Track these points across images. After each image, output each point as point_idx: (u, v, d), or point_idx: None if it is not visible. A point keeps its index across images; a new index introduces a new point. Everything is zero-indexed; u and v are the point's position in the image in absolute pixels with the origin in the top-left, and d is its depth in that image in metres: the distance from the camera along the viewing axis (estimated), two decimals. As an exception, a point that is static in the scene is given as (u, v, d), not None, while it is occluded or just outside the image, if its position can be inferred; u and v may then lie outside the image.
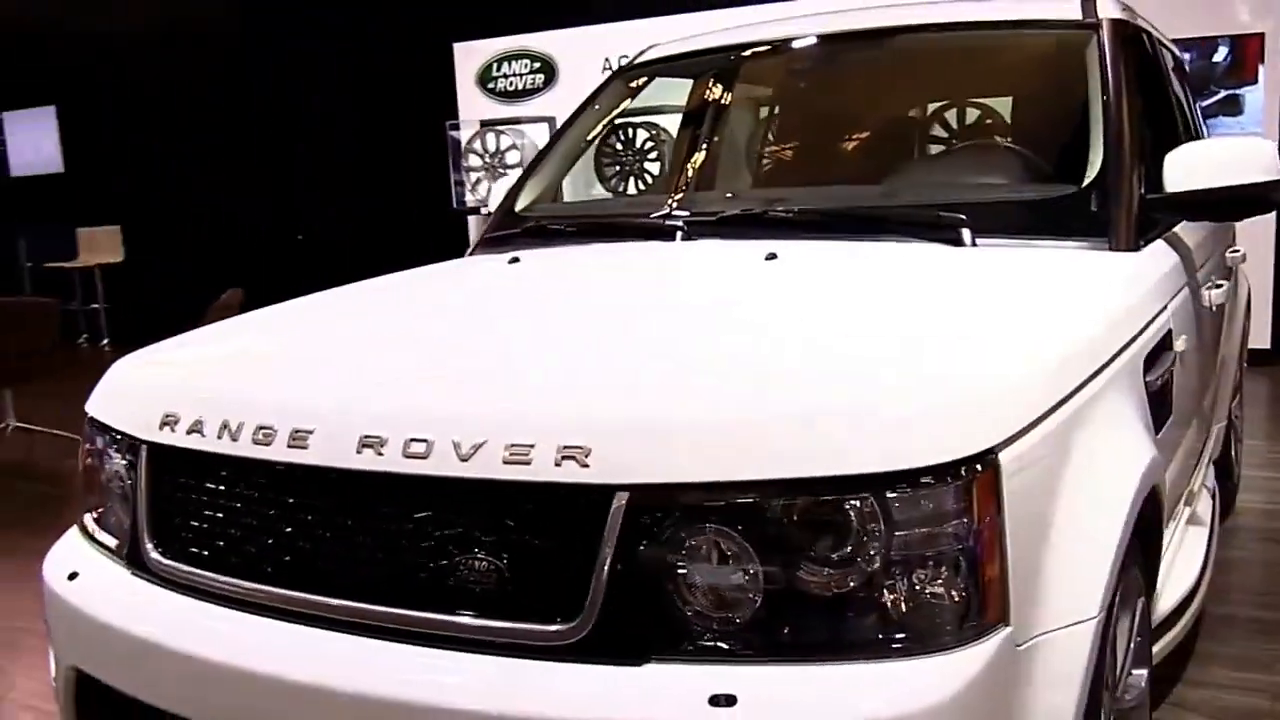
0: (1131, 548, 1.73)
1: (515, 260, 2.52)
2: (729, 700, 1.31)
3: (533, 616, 1.43)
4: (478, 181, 7.78)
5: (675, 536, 1.38)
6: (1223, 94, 6.63)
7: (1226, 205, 2.35)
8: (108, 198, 9.77)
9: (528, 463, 1.43)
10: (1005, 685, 1.39)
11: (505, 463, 1.45)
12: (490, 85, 8.33)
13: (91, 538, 1.98)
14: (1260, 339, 6.25)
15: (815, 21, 3.00)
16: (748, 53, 3.10)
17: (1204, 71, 6.60)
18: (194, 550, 1.75)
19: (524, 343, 1.87)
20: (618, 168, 7.08)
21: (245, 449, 1.67)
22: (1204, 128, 3.71)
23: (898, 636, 1.35)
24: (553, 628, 1.42)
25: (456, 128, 8.01)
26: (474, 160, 7.74)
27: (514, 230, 2.82)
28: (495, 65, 8.27)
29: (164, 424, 1.80)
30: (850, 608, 1.36)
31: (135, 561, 1.83)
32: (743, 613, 1.38)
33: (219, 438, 1.71)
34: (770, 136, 3.23)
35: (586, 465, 1.40)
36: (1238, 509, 4.00)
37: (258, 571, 1.66)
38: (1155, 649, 2.41)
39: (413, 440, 1.52)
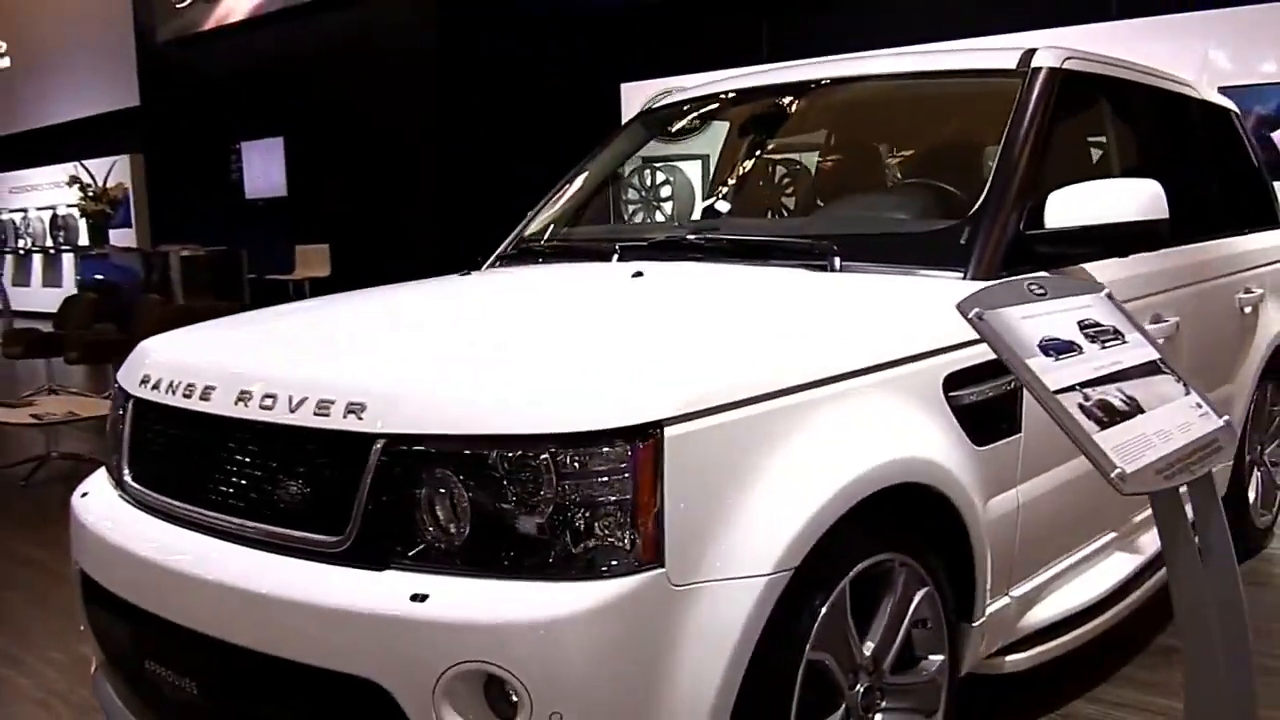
0: (867, 531, 2.03)
1: (473, 274, 3.02)
2: (423, 598, 1.72)
3: (322, 530, 1.88)
4: (634, 214, 8.27)
5: (413, 476, 1.80)
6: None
7: (1101, 241, 2.57)
8: (320, 219, 10.86)
9: (328, 415, 1.89)
10: (653, 614, 1.72)
11: (314, 414, 1.91)
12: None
13: (107, 468, 2.55)
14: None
15: (785, 72, 3.36)
16: (726, 99, 3.50)
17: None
18: (150, 475, 2.29)
19: (384, 331, 2.37)
20: (637, 203, 7.52)
21: (178, 401, 2.20)
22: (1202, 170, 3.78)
23: (564, 564, 1.72)
24: (328, 538, 1.86)
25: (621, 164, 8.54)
26: (631, 194, 8.24)
27: (511, 253, 3.31)
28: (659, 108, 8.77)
29: (142, 382, 2.35)
30: (531, 538, 1.74)
31: (120, 485, 2.38)
32: (456, 537, 1.78)
33: (167, 392, 2.25)
34: (728, 172, 3.60)
35: (361, 418, 1.85)
36: (1268, 554, 4.01)
37: (178, 491, 2.17)
38: (1023, 655, 2.64)
39: (266, 395, 2.00)
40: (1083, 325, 1.79)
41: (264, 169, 11.74)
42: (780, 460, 1.89)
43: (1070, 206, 2.57)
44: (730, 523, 1.81)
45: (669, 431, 1.75)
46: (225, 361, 2.26)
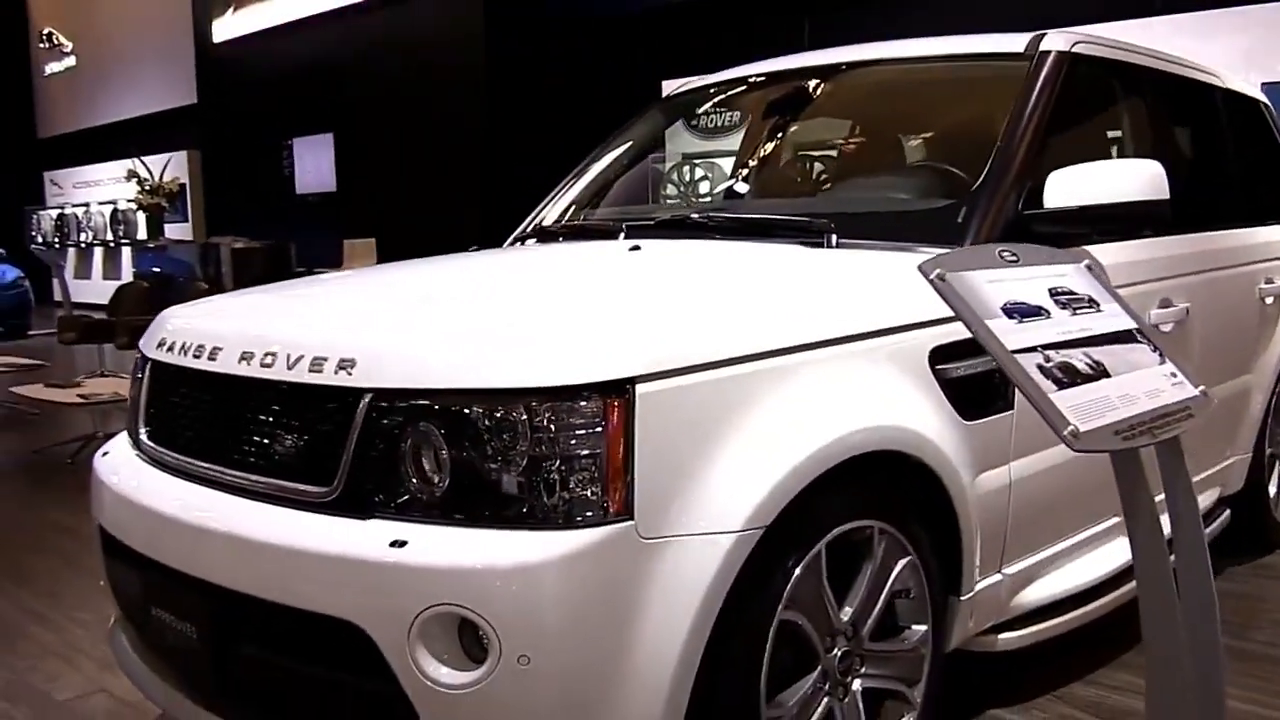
0: (847, 497, 2.07)
1: (479, 252, 3.11)
2: (402, 544, 1.79)
3: (313, 482, 1.95)
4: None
5: (397, 429, 1.87)
6: None
7: (1100, 221, 2.58)
8: (368, 213, 11.03)
9: (321, 371, 1.97)
10: (621, 566, 1.77)
11: (309, 370, 1.99)
12: (694, 123, 8.89)
13: (128, 429, 2.65)
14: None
15: (799, 58, 3.40)
16: (742, 86, 3.54)
17: None
18: (164, 434, 2.38)
19: (381, 298, 2.45)
20: (676, 198, 7.58)
21: (189, 361, 2.29)
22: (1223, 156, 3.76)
23: (537, 515, 1.78)
24: (318, 489, 1.93)
25: (661, 160, 8.61)
26: (670, 189, 8.30)
27: (527, 234, 3.39)
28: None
29: (159, 346, 2.45)
30: (507, 490, 1.80)
31: (136, 444, 2.47)
32: (437, 488, 1.85)
33: (180, 354, 2.34)
34: (745, 157, 3.63)
35: (351, 374, 1.92)
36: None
37: (188, 447, 2.26)
38: (1016, 634, 2.66)
39: (267, 354, 2.08)
40: (1054, 292, 1.81)
41: (314, 165, 11.94)
42: (755, 422, 1.93)
43: (1069, 186, 2.58)
44: (701, 480, 1.85)
45: (641, 389, 1.80)
46: (233, 325, 2.35)
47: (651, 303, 2.14)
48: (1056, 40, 2.95)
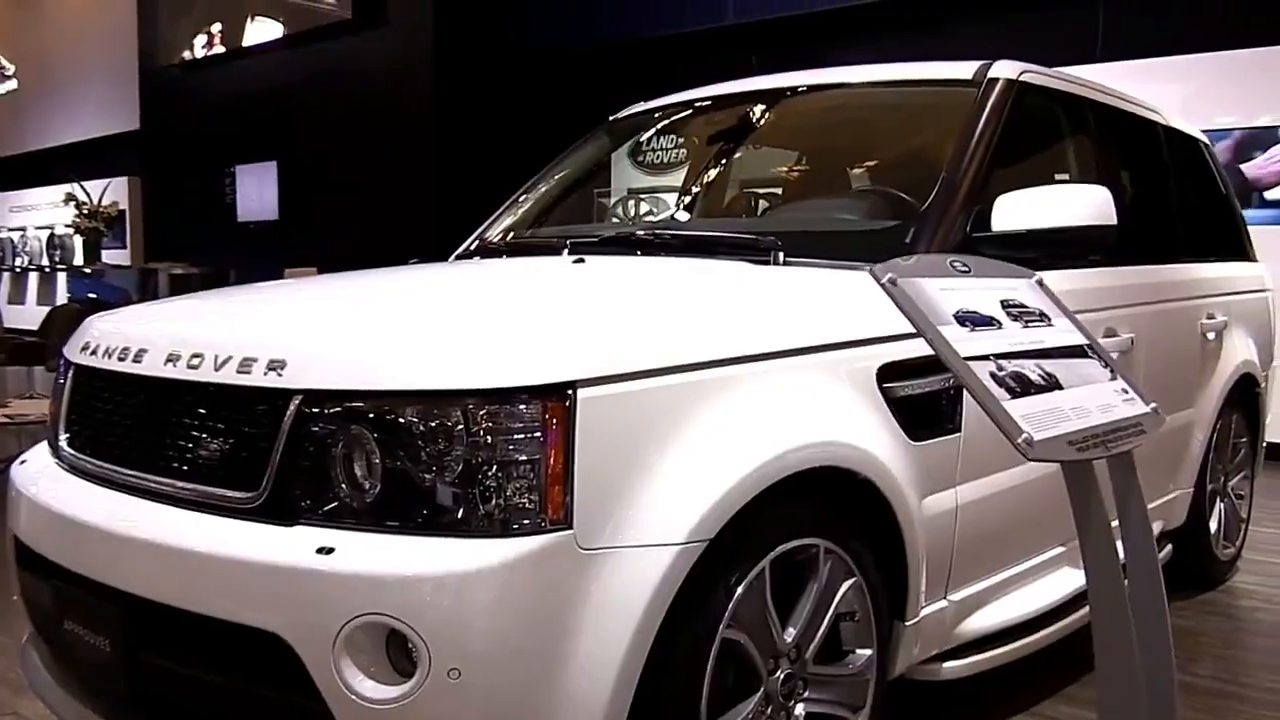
0: (792, 513, 2.01)
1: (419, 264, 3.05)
2: (329, 551, 1.70)
3: (239, 487, 1.86)
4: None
5: (327, 432, 1.79)
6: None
7: (1047, 245, 2.57)
8: (310, 242, 10.90)
9: (249, 372, 1.88)
10: (558, 576, 1.70)
11: (238, 371, 1.90)
12: (640, 158, 8.91)
13: (47, 438, 2.54)
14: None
15: (749, 82, 3.39)
16: (692, 110, 3.52)
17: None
18: (85, 440, 2.27)
19: (316, 302, 2.37)
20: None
21: (113, 364, 2.19)
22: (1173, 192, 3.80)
23: (471, 522, 1.70)
24: (243, 495, 1.84)
25: (607, 195, 8.60)
26: (615, 223, 8.28)
27: (470, 252, 3.33)
28: (645, 141, 8.85)
29: (83, 349, 2.35)
30: (440, 495, 1.72)
31: (55, 451, 2.36)
32: (367, 493, 1.77)
33: (103, 357, 2.24)
34: (696, 178, 3.60)
35: (281, 375, 1.84)
36: (1230, 586, 3.99)
37: (110, 454, 2.16)
38: (961, 662, 2.61)
39: (194, 356, 2.00)
40: (1006, 304, 1.78)
41: (257, 192, 11.80)
42: (698, 432, 1.88)
43: (1017, 210, 2.58)
44: (643, 490, 1.79)
45: (582, 393, 1.73)
46: (160, 327, 2.26)
47: (594, 309, 2.08)
48: (1004, 69, 2.96)
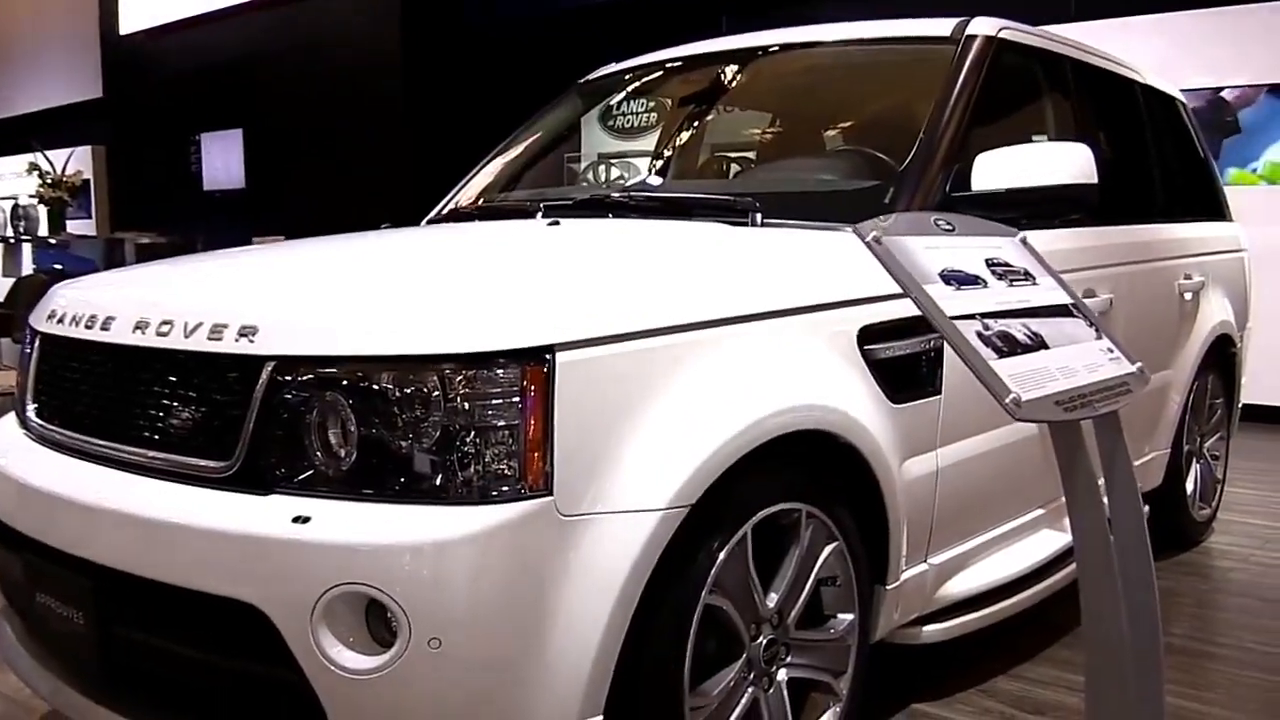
0: (773, 477, 1.99)
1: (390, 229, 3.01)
2: (305, 520, 1.67)
3: (212, 456, 1.82)
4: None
5: (301, 399, 1.75)
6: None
7: (1028, 204, 2.54)
8: (277, 211, 10.77)
9: (220, 339, 1.84)
10: (539, 544, 1.67)
11: (208, 338, 1.86)
12: (610, 123, 8.84)
13: (14, 407, 2.48)
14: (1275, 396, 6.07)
15: (723, 41, 3.34)
16: (664, 71, 3.47)
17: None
18: (53, 410, 2.22)
19: (287, 266, 2.32)
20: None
21: (80, 332, 2.14)
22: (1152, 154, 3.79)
23: (450, 490, 1.67)
24: (216, 464, 1.80)
25: (577, 160, 8.53)
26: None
27: (441, 217, 3.27)
28: (615, 105, 8.78)
29: (49, 318, 2.29)
30: (418, 463, 1.69)
31: (24, 422, 2.31)
32: (343, 461, 1.73)
33: (70, 325, 2.19)
34: (669, 140, 3.55)
35: (253, 341, 1.79)
36: (1206, 547, 4.02)
37: (79, 424, 2.11)
38: (941, 626, 2.61)
39: (163, 323, 1.95)
40: (990, 263, 1.76)
41: (223, 161, 11.63)
42: (678, 396, 1.85)
43: (997, 169, 2.55)
44: (623, 456, 1.76)
45: (561, 357, 1.70)
46: (128, 293, 2.21)
47: (571, 271, 2.04)
48: (983, 25, 2.93)
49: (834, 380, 2.14)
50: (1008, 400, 1.49)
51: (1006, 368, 1.52)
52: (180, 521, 1.77)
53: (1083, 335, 1.78)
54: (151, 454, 1.92)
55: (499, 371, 1.68)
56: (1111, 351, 1.80)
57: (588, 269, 2.05)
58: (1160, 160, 3.86)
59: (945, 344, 2.39)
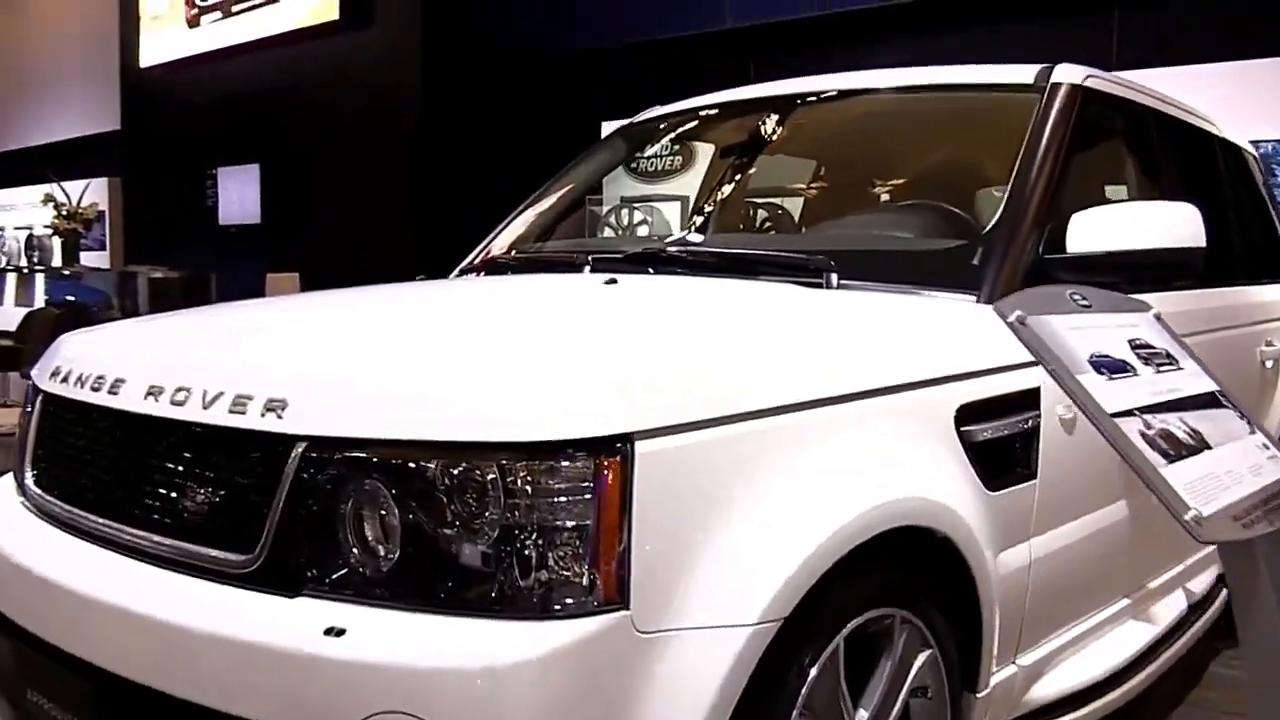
0: (866, 580, 1.75)
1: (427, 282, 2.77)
2: (340, 632, 1.42)
3: (231, 548, 1.59)
4: (610, 251, 8.05)
5: (337, 486, 1.51)
6: None
7: (1126, 270, 2.31)
8: (292, 247, 10.59)
9: (244, 412, 1.60)
10: (613, 665, 1.43)
11: (230, 411, 1.63)
12: (633, 165, 8.65)
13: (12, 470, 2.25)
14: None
15: (778, 85, 3.11)
16: (716, 114, 3.25)
17: None
18: (54, 479, 2.00)
19: (320, 326, 2.09)
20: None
21: (86, 395, 1.92)
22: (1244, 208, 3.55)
23: (509, 600, 1.43)
24: (236, 557, 1.57)
25: (599, 203, 8.33)
26: (608, 232, 8.02)
27: (475, 266, 3.04)
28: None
29: (53, 375, 2.07)
30: (472, 567, 1.45)
31: (21, 489, 2.08)
32: (384, 561, 1.49)
33: (76, 385, 1.96)
34: (721, 188, 3.31)
35: (281, 417, 1.56)
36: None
37: (83, 498, 1.89)
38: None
39: (179, 390, 1.72)
40: (1134, 345, 1.52)
41: (239, 195, 11.47)
42: (771, 490, 1.61)
43: (1097, 229, 2.32)
44: (710, 560, 1.52)
45: (640, 446, 1.46)
46: (141, 352, 1.99)
47: (645, 343, 1.79)
48: (1068, 72, 2.71)
49: (933, 467, 1.90)
50: (1187, 518, 1.25)
51: (1179, 476, 1.29)
52: (192, 626, 1.54)
53: (1237, 430, 1.55)
54: (162, 540, 1.68)
55: (570, 463, 1.44)
56: (1267, 448, 1.56)
57: (665, 340, 1.80)
58: (1238, 218, 3.63)
59: (1041, 424, 2.18)
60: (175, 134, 12.66)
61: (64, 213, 11.80)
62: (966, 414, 2.00)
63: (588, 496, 1.44)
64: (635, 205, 8.28)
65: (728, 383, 1.62)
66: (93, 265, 12.54)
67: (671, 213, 8.13)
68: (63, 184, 11.94)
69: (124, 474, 1.81)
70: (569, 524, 1.44)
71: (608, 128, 8.93)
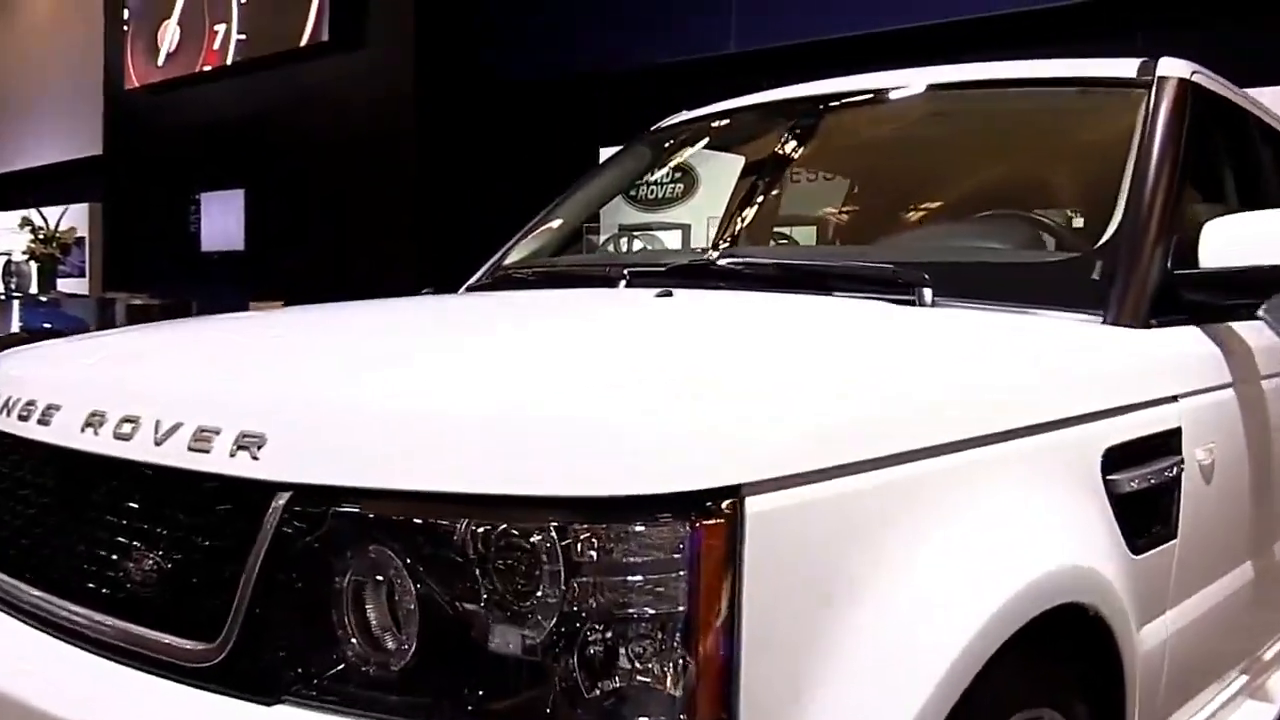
0: (1023, 675, 1.35)
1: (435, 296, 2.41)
2: (340, 762, 1.02)
3: (189, 632, 1.19)
4: (610, 280, 7.73)
5: (331, 552, 1.11)
6: None
7: (1266, 287, 1.95)
8: (276, 275, 10.25)
9: (208, 449, 1.21)
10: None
11: (190, 448, 1.23)
12: (632, 193, 8.32)
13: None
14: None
15: (832, 83, 2.74)
16: (759, 115, 2.87)
17: None
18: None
19: (306, 343, 1.69)
20: None
21: (12, 425, 1.52)
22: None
23: (568, 713, 1.03)
24: (193, 646, 1.16)
25: (596, 231, 7.99)
26: (611, 259, 7.70)
27: (487, 281, 2.66)
28: (640, 175, 8.26)
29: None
30: (517, 666, 1.05)
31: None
32: (395, 655, 1.09)
33: (3, 414, 1.56)
34: (770, 195, 2.91)
35: (257, 457, 1.16)
36: None
37: (6, 559, 1.49)
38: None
39: (124, 419, 1.32)
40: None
41: (223, 222, 11.14)
42: (906, 562, 1.21)
43: (1239, 240, 1.95)
44: (841, 657, 1.12)
45: (751, 504, 1.06)
46: (80, 371, 1.58)
47: (735, 368, 1.34)
48: (1174, 66, 2.35)
49: (1081, 527, 1.52)
50: None
51: None
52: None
53: None
54: (102, 620, 1.28)
55: (654, 526, 1.04)
56: None
57: (758, 364, 1.37)
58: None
59: (1185, 473, 1.80)
60: (159, 158, 12.39)
61: (41, 237, 11.49)
62: (1113, 459, 1.61)
63: (680, 572, 1.03)
64: (635, 234, 7.95)
65: (855, 422, 1.22)
66: (71, 292, 12.27)
67: (672, 241, 7.79)
68: (41, 209, 11.68)
69: (56, 530, 1.41)
70: (650, 610, 1.03)
71: (605, 153, 8.62)
